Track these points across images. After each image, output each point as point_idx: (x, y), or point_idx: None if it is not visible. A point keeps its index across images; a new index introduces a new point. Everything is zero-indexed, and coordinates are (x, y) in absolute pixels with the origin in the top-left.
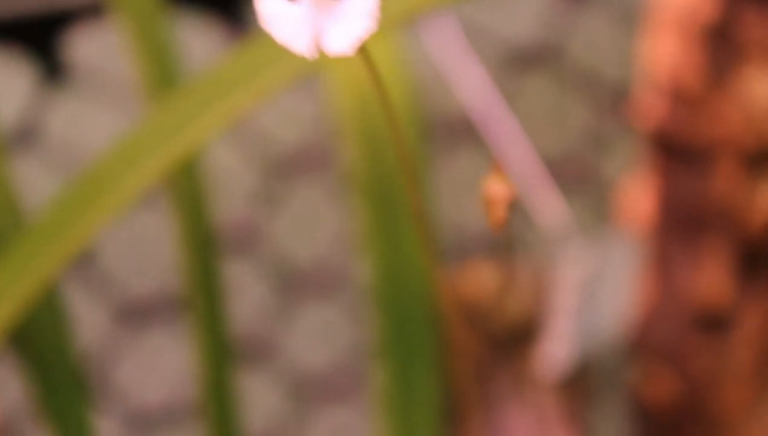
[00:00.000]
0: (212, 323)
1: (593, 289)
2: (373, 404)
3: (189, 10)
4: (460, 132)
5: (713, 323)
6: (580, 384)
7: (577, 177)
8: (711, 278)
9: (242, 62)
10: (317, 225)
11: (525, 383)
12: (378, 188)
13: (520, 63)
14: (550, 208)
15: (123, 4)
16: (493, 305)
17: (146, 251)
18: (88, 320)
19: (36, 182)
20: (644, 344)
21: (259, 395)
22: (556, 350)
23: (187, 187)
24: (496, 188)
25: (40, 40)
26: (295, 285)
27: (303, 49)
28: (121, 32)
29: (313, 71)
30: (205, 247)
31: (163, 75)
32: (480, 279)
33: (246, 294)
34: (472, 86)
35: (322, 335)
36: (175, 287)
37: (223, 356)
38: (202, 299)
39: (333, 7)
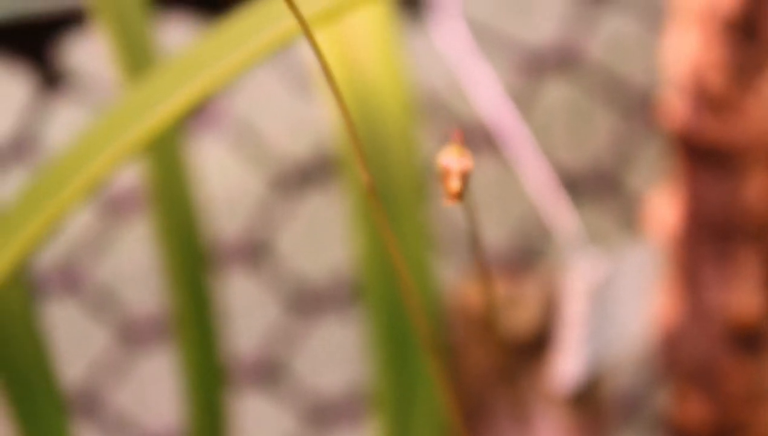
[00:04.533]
0: (203, 346)
1: (609, 297)
2: (371, 421)
3: (171, 15)
4: (475, 140)
5: (746, 341)
6: (595, 400)
7: (603, 187)
8: (743, 291)
9: (211, 43)
10: (329, 240)
11: (533, 398)
12: (385, 199)
13: (537, 67)
14: (566, 219)
15: (105, 8)
16: (502, 317)
17: (148, 270)
18: (89, 341)
19: None
20: (674, 363)
21: (272, 419)
22: (567, 362)
23: (176, 205)
24: (452, 159)
25: (36, 47)
26: (307, 304)
27: None
28: (104, 36)
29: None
30: (196, 266)
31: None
32: (492, 291)
33: (258, 314)
34: (487, 93)
35: (336, 356)
36: (167, 308)
37: (214, 380)
38: (193, 321)
39: None
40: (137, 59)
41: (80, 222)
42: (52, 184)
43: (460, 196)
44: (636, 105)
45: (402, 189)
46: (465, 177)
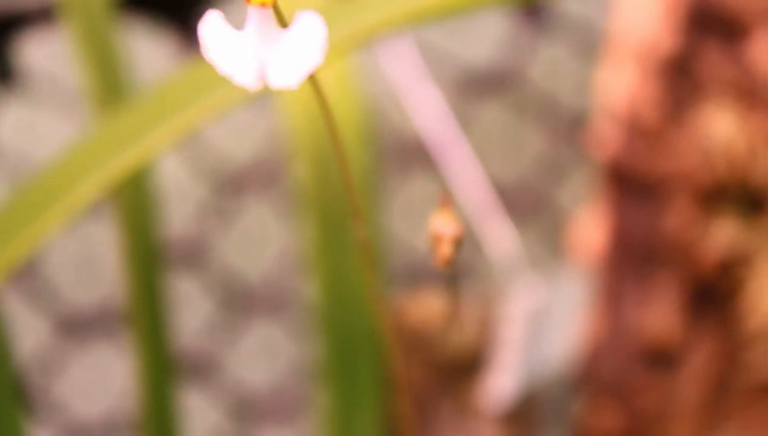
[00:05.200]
0: (155, 338)
1: (542, 321)
2: (314, 426)
3: (139, 18)
4: (414, 156)
5: (661, 359)
6: (525, 417)
7: (531, 206)
8: (660, 313)
9: (197, 75)
10: (265, 242)
11: (468, 414)
12: (326, 209)
13: (477, 87)
14: (501, 237)
15: (72, 11)
16: (439, 334)
17: (90, 262)
18: (29, 331)
19: None
20: (591, 377)
21: (200, 413)
22: (501, 382)
23: (132, 201)
24: (443, 225)
25: None
26: (240, 302)
27: (246, 82)
28: (70, 39)
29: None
30: (150, 261)
31: (112, 83)
32: (426, 307)
33: (191, 309)
34: (428, 110)
35: (265, 354)
36: (117, 301)
37: (164, 371)
38: (145, 313)
39: (279, 37)
40: (103, 62)
41: None
42: (35, 205)
43: (452, 260)
44: (567, 128)
45: (347, 199)
46: (457, 243)
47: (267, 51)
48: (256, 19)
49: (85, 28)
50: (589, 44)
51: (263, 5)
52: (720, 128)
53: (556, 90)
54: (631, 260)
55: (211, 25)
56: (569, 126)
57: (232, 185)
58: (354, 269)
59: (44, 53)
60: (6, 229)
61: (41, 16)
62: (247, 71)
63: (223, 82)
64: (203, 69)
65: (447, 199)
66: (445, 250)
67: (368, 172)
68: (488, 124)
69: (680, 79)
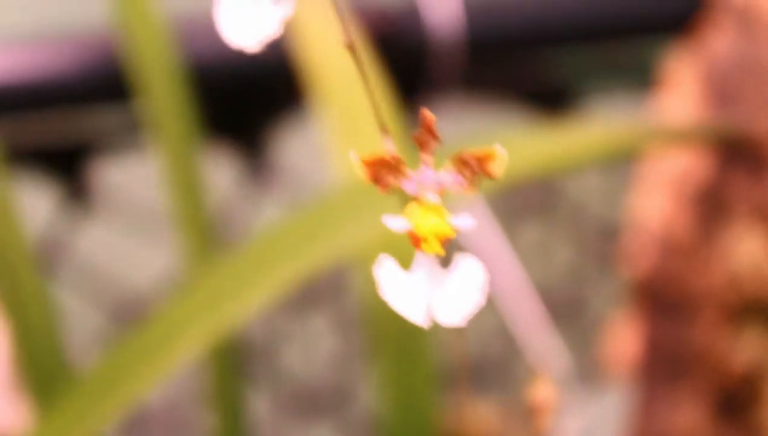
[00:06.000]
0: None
1: (587, 433)
2: None
3: (211, 141)
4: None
5: None
6: None
7: (563, 312)
8: (688, 420)
9: (295, 229)
10: (325, 351)
11: None
12: (390, 323)
13: (515, 201)
14: (544, 346)
15: (159, 135)
16: None
17: None
18: None
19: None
20: None
21: None
22: None
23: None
24: (542, 396)
25: (67, 166)
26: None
27: (417, 319)
28: (156, 162)
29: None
30: (228, 364)
31: (194, 206)
32: (479, 417)
33: (257, 406)
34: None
35: None
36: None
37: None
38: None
39: (445, 279)
40: (185, 184)
41: None
42: (138, 358)
43: (548, 429)
44: (596, 238)
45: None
46: (555, 413)
47: (435, 290)
48: (425, 263)
49: (170, 152)
50: (621, 166)
51: (433, 253)
52: (747, 249)
53: (586, 201)
54: (662, 370)
55: (386, 269)
56: (598, 236)
57: (296, 301)
58: (418, 381)
59: (121, 175)
60: (110, 381)
61: (119, 140)
62: (417, 310)
63: (322, 235)
64: (302, 221)
65: (543, 370)
66: (545, 421)
67: None
68: (526, 236)
69: (711, 203)
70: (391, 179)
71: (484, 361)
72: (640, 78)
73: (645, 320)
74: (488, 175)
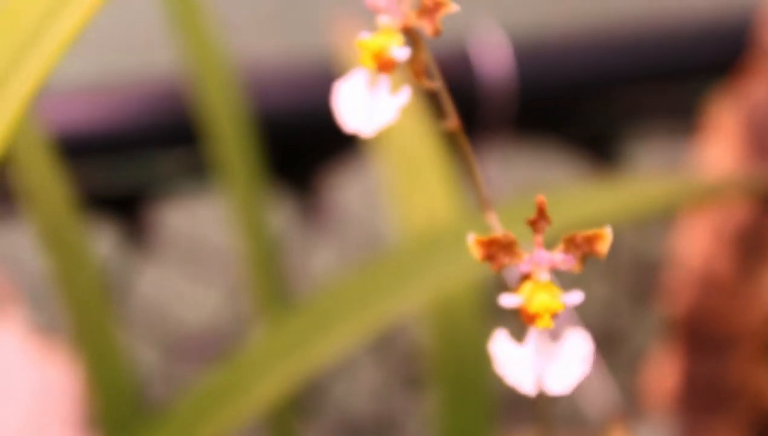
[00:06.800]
0: None
1: None
2: None
3: (271, 184)
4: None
5: None
6: None
7: (600, 347)
8: None
9: (361, 287)
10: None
11: None
12: (449, 364)
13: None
14: (594, 382)
15: (224, 178)
16: None
17: None
18: None
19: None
20: None
21: None
22: None
23: None
24: None
25: (128, 209)
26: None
27: (528, 389)
28: (215, 204)
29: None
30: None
31: (259, 247)
32: None
33: None
34: None
35: None
36: None
37: None
38: None
39: (554, 351)
40: (252, 227)
41: None
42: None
43: None
44: (632, 275)
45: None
46: None
47: (544, 361)
48: (534, 337)
49: (236, 195)
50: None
51: (543, 328)
52: None
53: (620, 234)
54: (700, 403)
55: (498, 342)
56: (633, 270)
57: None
58: (474, 412)
59: (179, 218)
60: (188, 424)
61: (176, 185)
62: (528, 380)
63: (392, 289)
64: (371, 275)
65: (619, 416)
66: None
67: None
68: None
69: (750, 242)
70: (506, 259)
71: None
72: (684, 122)
73: (683, 354)
74: (596, 254)
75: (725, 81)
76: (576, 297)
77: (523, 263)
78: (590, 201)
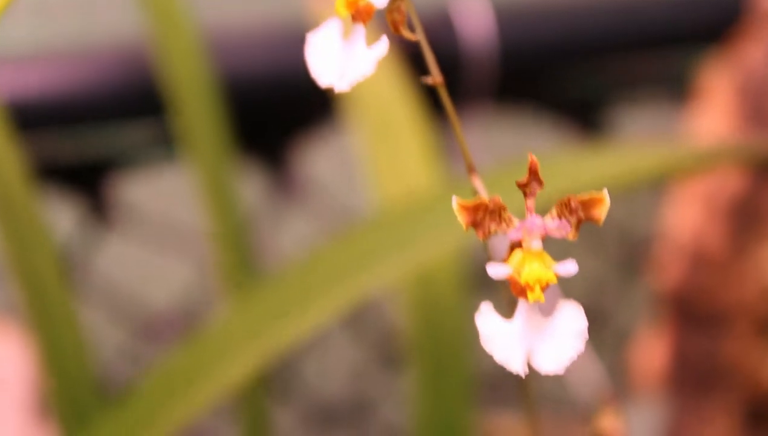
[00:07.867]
0: None
1: None
2: None
3: (240, 155)
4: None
5: None
6: None
7: (592, 325)
8: (719, 434)
9: (336, 260)
10: (345, 364)
11: None
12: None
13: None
14: (582, 365)
15: (191, 149)
16: None
17: None
18: None
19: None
20: None
21: None
22: None
23: None
24: (607, 425)
25: (89, 181)
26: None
27: (517, 368)
28: (183, 176)
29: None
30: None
31: (226, 219)
32: (508, 433)
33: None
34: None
35: None
36: None
37: None
38: None
39: (545, 326)
40: (219, 199)
41: None
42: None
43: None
44: (620, 250)
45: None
46: None
47: (534, 338)
48: (524, 310)
49: (203, 166)
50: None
51: (534, 301)
52: None
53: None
54: (691, 382)
55: (485, 316)
56: (620, 245)
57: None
58: (452, 394)
59: (143, 190)
60: (151, 409)
61: (140, 156)
62: (517, 358)
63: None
64: (340, 251)
65: (609, 399)
66: None
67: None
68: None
69: (743, 216)
70: (493, 225)
71: (506, 373)
72: (675, 89)
73: (674, 332)
74: (593, 221)
75: (716, 47)
76: (570, 267)
77: (514, 229)
78: (575, 171)
